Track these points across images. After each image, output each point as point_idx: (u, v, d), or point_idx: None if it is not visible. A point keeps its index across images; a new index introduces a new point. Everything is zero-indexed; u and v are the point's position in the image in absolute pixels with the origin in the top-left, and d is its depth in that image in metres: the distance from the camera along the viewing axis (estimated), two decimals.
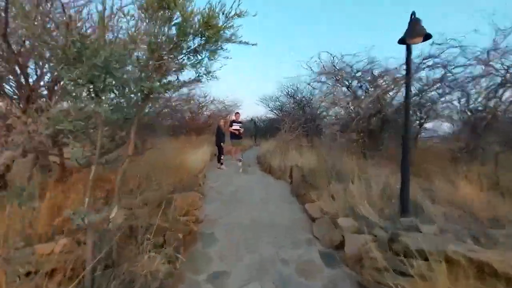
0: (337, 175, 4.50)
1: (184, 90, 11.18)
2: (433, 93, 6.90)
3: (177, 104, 11.47)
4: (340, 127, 7.73)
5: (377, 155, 6.65)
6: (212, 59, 2.23)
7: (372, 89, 7.22)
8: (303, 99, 12.15)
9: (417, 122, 8.73)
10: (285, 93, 13.32)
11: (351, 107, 7.83)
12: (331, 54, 6.81)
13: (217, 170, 7.08)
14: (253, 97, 53.69)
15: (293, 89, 12.42)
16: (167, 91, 2.18)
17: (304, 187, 4.69)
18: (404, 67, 6.20)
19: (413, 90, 6.73)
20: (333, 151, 6.51)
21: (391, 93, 7.23)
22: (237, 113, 8.62)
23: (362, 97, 7.33)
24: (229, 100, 17.04)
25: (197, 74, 2.35)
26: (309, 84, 7.42)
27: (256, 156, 9.69)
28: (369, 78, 7.10)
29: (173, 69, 2.15)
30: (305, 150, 7.25)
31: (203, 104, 16.28)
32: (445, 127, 8.71)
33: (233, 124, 8.18)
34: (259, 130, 26.50)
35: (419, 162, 6.26)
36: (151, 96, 2.08)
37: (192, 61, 2.18)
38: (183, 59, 2.18)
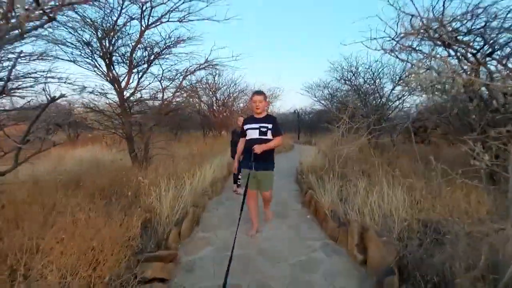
0: None
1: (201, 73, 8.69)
2: None
3: (194, 95, 9.07)
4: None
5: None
6: None
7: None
8: (365, 84, 8.58)
9: None
10: (338, 77, 9.83)
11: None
12: None
13: (224, 205, 4.37)
14: (298, 85, 49.50)
15: (350, 71, 8.90)
16: None
17: None
18: None
19: None
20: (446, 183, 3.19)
21: None
22: (257, 93, 3.03)
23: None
24: (266, 89, 14.19)
25: None
26: (391, 51, 3.99)
27: (296, 169, 6.68)
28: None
29: None
30: (380, 174, 3.99)
31: (233, 94, 13.80)
32: None
33: (247, 127, 3.03)
34: (303, 124, 23.05)
35: None
36: None
37: None
38: None
